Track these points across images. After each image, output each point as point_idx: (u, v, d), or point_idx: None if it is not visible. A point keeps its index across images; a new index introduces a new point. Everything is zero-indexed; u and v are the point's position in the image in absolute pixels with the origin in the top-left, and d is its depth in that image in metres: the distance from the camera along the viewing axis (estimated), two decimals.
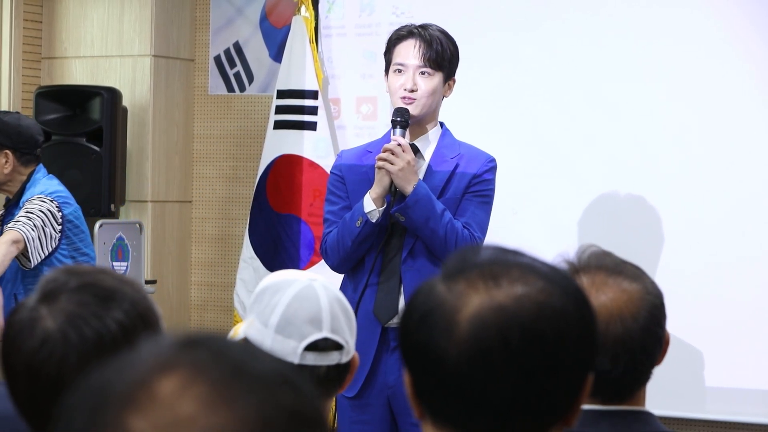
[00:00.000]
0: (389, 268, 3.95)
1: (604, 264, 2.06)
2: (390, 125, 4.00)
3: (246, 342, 2.25)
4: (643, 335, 2.03)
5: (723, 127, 4.96)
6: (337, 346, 2.22)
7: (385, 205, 3.90)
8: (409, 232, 3.94)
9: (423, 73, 4.00)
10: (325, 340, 2.21)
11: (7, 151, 4.82)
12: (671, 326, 5.15)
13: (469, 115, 5.26)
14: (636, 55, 5.08)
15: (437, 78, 4.01)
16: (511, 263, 1.43)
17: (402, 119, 3.95)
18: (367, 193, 3.91)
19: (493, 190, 4.03)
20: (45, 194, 4.80)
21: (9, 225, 4.73)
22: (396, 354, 3.89)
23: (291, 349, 2.19)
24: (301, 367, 2.19)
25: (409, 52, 4.01)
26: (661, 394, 4.82)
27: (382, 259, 3.96)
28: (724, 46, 4.95)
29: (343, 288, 3.95)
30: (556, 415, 1.41)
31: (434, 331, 1.40)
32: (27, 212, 4.72)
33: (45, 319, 1.83)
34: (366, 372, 3.91)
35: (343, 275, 4.08)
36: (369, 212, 3.89)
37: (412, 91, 3.98)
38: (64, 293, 1.85)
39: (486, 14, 5.34)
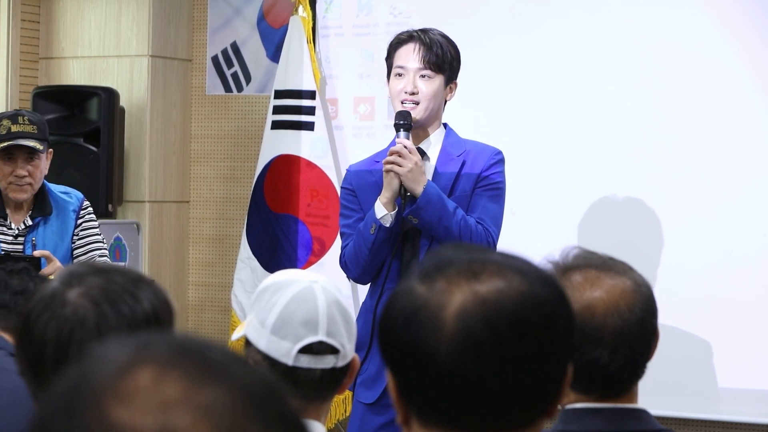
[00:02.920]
0: (407, 272, 3.93)
1: (592, 262, 2.09)
2: (394, 130, 3.99)
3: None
4: (640, 326, 2.05)
5: (724, 127, 4.96)
6: (333, 350, 2.20)
7: (396, 209, 3.88)
8: (424, 233, 3.93)
9: (423, 76, 4.00)
10: (320, 343, 2.19)
11: (51, 150, 4.48)
12: (677, 326, 5.14)
13: (467, 116, 5.25)
14: (636, 55, 5.08)
15: (438, 81, 4.00)
16: (487, 260, 1.44)
17: (405, 122, 3.94)
18: (378, 199, 3.89)
19: (503, 182, 4.02)
20: (80, 198, 4.48)
21: (99, 253, 4.43)
22: None
23: (285, 351, 2.18)
24: (295, 370, 2.17)
25: (409, 56, 4.01)
26: (664, 395, 4.83)
27: (399, 264, 3.94)
28: (724, 46, 4.96)
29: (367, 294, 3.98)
30: (544, 404, 1.42)
31: (422, 332, 1.40)
32: (98, 236, 4.48)
33: (74, 298, 1.81)
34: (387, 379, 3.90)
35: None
36: (381, 217, 3.87)
37: (413, 93, 3.97)
38: (87, 276, 1.83)
39: (484, 14, 5.34)
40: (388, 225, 3.87)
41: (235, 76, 6.02)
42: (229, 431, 0.92)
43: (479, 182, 3.97)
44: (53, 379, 1.77)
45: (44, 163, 4.37)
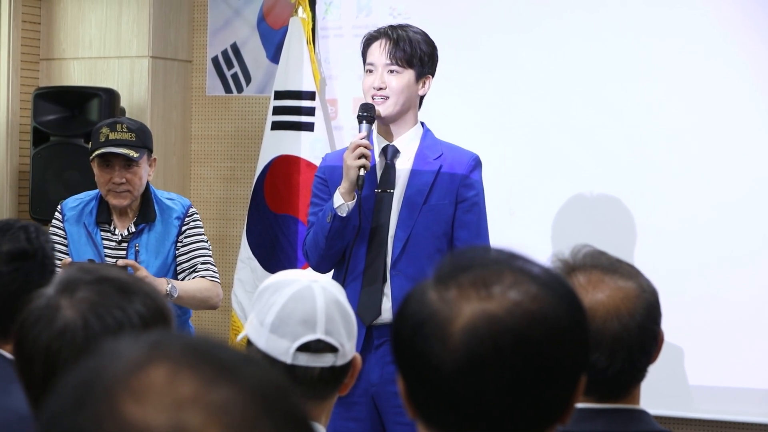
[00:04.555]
0: (372, 269, 3.96)
1: (599, 263, 2.08)
2: (357, 120, 4.03)
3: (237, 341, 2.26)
4: (640, 332, 2.05)
5: (720, 127, 4.97)
6: (332, 349, 2.21)
7: (354, 199, 3.92)
8: (398, 237, 3.95)
9: (392, 71, 4.02)
10: (318, 341, 2.19)
11: (155, 158, 4.47)
12: (666, 325, 5.16)
13: (466, 116, 5.27)
14: (633, 55, 5.09)
15: (407, 75, 4.02)
16: (504, 267, 1.43)
17: (367, 114, 3.97)
18: (337, 189, 3.93)
19: (482, 190, 4.05)
20: (186, 205, 4.45)
21: (202, 271, 4.36)
22: (379, 352, 3.92)
23: (283, 349, 2.18)
24: (294, 368, 2.18)
25: (377, 51, 4.05)
26: (647, 393, 4.84)
27: (366, 261, 3.97)
28: (722, 45, 4.96)
29: None
30: (550, 418, 1.42)
31: (428, 341, 1.40)
32: (202, 243, 4.41)
33: (65, 309, 1.83)
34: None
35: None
36: (338, 207, 3.90)
37: (381, 89, 3.99)
38: (82, 285, 1.84)
39: (483, 15, 5.35)
40: (344, 215, 3.89)
41: (235, 77, 6.03)
42: (240, 431, 0.93)
43: (464, 199, 3.98)
44: (43, 391, 1.80)
45: (144, 170, 4.35)
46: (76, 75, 6.07)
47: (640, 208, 5.06)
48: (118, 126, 4.34)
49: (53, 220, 4.47)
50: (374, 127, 4.04)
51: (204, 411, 0.93)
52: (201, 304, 4.36)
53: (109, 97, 5.67)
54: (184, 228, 4.41)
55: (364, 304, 3.93)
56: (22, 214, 5.95)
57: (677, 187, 5.01)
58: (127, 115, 5.84)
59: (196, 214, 4.48)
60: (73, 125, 5.71)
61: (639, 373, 2.08)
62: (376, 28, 4.16)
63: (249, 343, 2.24)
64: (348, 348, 2.22)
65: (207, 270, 4.40)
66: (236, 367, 0.97)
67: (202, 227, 4.48)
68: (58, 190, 5.46)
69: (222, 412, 0.93)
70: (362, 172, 3.89)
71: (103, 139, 4.31)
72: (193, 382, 0.94)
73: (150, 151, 4.40)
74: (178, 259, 4.40)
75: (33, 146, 5.70)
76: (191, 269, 4.39)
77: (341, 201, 3.90)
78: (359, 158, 3.88)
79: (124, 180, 4.31)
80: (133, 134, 4.33)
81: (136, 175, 4.33)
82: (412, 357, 1.43)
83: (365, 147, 3.89)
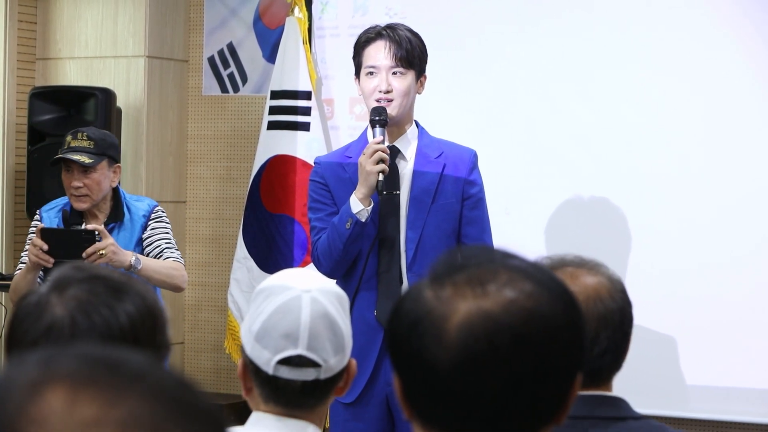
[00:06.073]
0: (388, 272, 3.96)
1: (567, 262, 2.21)
2: (370, 126, 4.03)
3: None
4: (621, 314, 2.17)
5: (719, 127, 4.97)
6: (314, 364, 2.16)
7: (372, 204, 3.92)
8: (409, 238, 3.96)
9: (395, 73, 4.02)
10: (300, 357, 2.15)
11: (119, 165, 4.70)
12: (660, 325, 5.13)
13: (462, 115, 5.27)
14: (631, 55, 5.09)
15: (410, 76, 4.04)
16: (499, 266, 1.43)
17: (380, 118, 3.96)
18: (353, 194, 3.92)
19: (482, 182, 4.09)
20: (153, 205, 4.70)
21: (167, 253, 4.58)
22: None
23: (265, 360, 2.15)
24: (276, 378, 2.16)
25: (380, 54, 4.03)
26: (644, 393, 4.84)
27: (377, 264, 3.97)
28: (722, 45, 4.96)
29: None
30: (547, 416, 1.42)
31: (424, 339, 1.40)
32: (162, 234, 4.63)
33: (54, 305, 1.83)
34: (366, 378, 3.93)
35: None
36: (358, 212, 3.90)
37: (388, 92, 4.00)
38: (74, 283, 1.85)
39: (478, 14, 5.35)
40: (364, 220, 3.89)
41: (231, 76, 6.04)
42: None
43: (469, 196, 4.01)
44: None
45: (104, 176, 4.60)
46: (73, 74, 6.07)
47: (636, 208, 5.06)
48: (80, 134, 4.62)
49: (34, 224, 4.71)
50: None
51: (112, 428, 0.90)
52: (166, 282, 4.55)
53: (106, 96, 5.68)
54: (149, 222, 4.66)
55: (382, 309, 3.93)
56: (19, 213, 5.96)
57: (675, 186, 5.01)
58: (123, 115, 5.85)
59: (163, 212, 4.71)
60: (69, 125, 5.69)
61: (620, 357, 2.16)
62: (367, 29, 4.14)
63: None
64: (333, 363, 2.17)
65: (172, 254, 4.63)
66: (137, 376, 0.94)
67: (167, 222, 4.70)
68: (54, 189, 5.45)
69: (130, 425, 0.90)
70: (381, 177, 3.89)
71: (65, 147, 4.61)
72: (94, 401, 0.91)
73: (111, 159, 4.63)
74: (145, 250, 4.62)
75: (29, 145, 5.71)
76: (158, 255, 4.61)
77: (360, 206, 3.90)
78: (377, 163, 3.88)
79: (81, 184, 4.57)
80: (92, 142, 4.59)
81: (93, 180, 4.58)
82: (408, 356, 1.42)
83: (383, 151, 3.89)
